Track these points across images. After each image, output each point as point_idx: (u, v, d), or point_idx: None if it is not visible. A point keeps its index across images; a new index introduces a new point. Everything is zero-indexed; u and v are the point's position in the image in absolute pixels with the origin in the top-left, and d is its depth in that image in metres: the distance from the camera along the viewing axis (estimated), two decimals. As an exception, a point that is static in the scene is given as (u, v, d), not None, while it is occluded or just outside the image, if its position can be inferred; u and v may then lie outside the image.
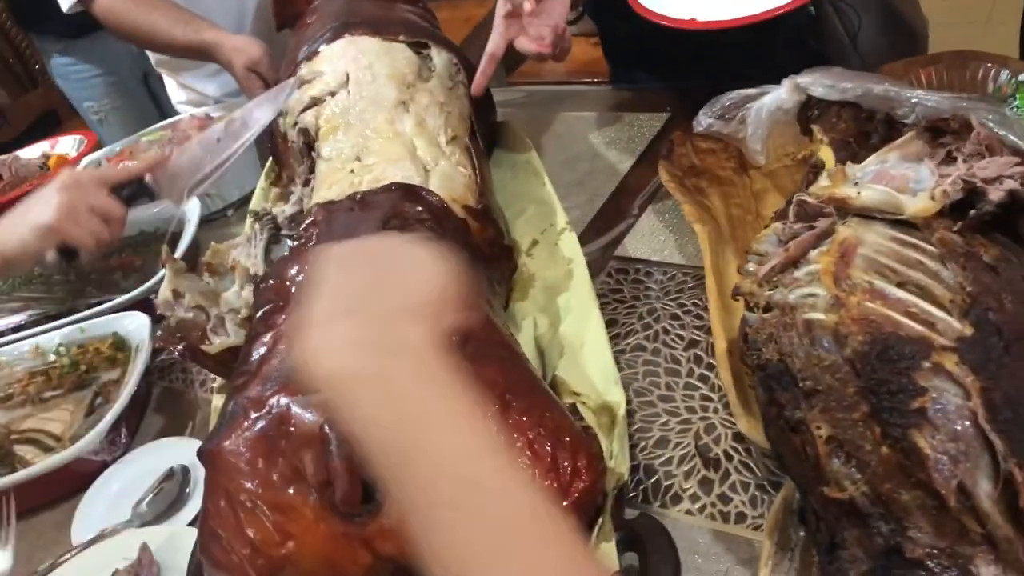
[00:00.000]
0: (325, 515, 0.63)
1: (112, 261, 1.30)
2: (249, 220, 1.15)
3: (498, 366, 0.69)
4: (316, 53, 1.08)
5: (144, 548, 0.87)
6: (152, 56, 1.76)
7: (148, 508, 0.93)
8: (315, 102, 1.02)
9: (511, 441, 0.64)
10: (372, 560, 0.64)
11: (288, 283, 0.81)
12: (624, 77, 1.58)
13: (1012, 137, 0.78)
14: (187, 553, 0.81)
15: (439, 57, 1.10)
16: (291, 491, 0.64)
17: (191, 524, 0.91)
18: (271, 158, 1.26)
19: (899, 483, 0.59)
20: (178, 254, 1.22)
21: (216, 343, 0.94)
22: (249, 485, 0.64)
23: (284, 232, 1.10)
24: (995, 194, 0.73)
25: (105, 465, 1.00)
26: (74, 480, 0.98)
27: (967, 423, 0.59)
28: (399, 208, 0.86)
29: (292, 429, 0.65)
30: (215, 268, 1.06)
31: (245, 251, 1.07)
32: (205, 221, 1.37)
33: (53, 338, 1.14)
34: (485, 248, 0.89)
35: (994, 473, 0.58)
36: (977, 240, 0.72)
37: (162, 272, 1.18)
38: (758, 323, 0.69)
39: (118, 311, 1.16)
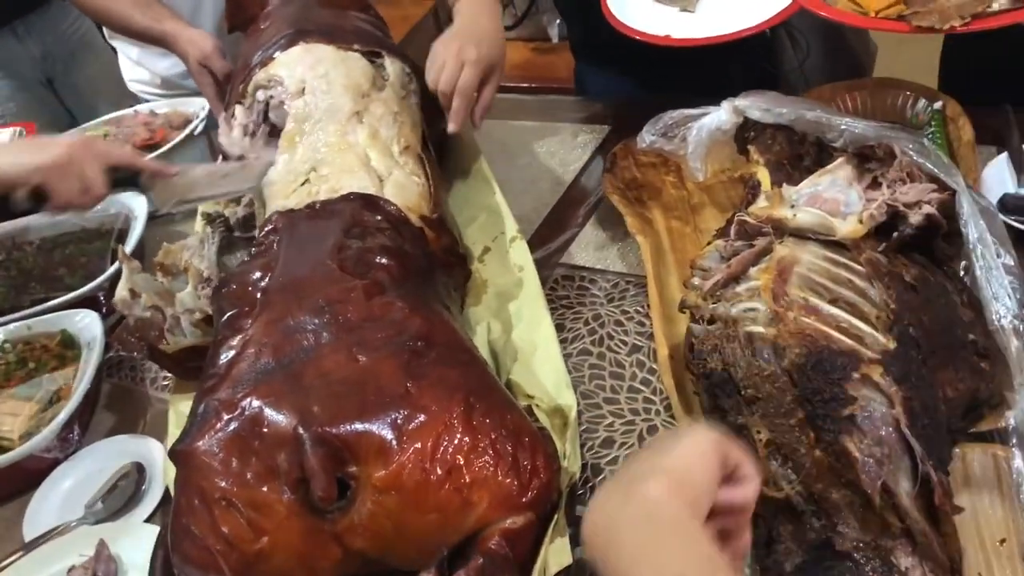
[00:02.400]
0: (298, 511, 0.66)
1: (56, 257, 1.29)
2: (201, 222, 1.16)
3: (460, 369, 0.73)
4: (271, 59, 1.10)
5: (101, 544, 0.88)
6: (107, 30, 1.74)
7: (103, 505, 0.94)
8: (278, 104, 1.05)
9: (476, 441, 0.68)
10: (342, 554, 0.67)
11: (251, 288, 0.83)
12: (587, 72, 1.62)
13: (929, 165, 0.85)
14: (145, 549, 0.83)
15: (392, 66, 1.13)
16: (265, 489, 0.67)
17: (148, 520, 0.93)
18: (222, 159, 1.27)
19: (830, 483, 0.66)
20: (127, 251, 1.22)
21: (173, 343, 0.95)
22: (223, 483, 0.67)
23: (237, 234, 1.12)
24: (915, 218, 0.80)
25: (56, 462, 1.00)
26: (25, 477, 0.99)
27: (891, 429, 0.65)
28: (359, 217, 0.90)
29: (265, 430, 0.68)
30: (168, 268, 1.07)
31: (198, 253, 1.08)
32: (150, 219, 1.36)
33: (-3, 333, 1.14)
34: (440, 255, 0.93)
35: (913, 474, 0.65)
36: (899, 260, 0.79)
37: (110, 270, 1.19)
38: (703, 335, 0.75)
39: (65, 308, 1.15)
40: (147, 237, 1.30)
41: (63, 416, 0.99)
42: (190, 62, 1.37)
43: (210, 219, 1.14)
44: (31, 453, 0.97)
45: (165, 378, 1.11)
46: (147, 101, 1.68)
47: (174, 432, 0.93)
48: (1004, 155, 1.07)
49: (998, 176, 1.05)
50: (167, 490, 0.94)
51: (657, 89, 1.42)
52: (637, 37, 1.14)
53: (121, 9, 1.45)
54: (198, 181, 1.05)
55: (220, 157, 1.27)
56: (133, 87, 1.78)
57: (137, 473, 0.96)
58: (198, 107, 1.48)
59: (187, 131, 1.41)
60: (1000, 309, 0.75)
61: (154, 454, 0.99)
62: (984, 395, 0.76)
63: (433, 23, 3.09)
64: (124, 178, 1.02)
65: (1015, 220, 0.97)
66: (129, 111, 1.55)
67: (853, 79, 1.35)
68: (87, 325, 1.11)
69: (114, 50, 1.84)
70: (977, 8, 0.93)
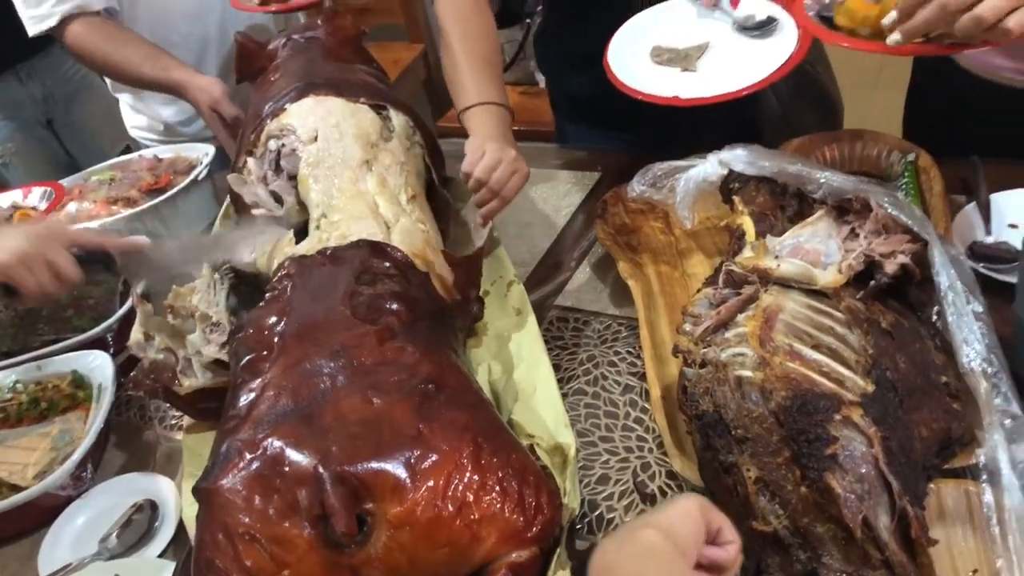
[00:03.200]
0: (318, 545, 0.70)
1: (63, 298, 1.32)
2: (207, 268, 1.19)
3: (469, 411, 0.78)
4: (283, 109, 1.15)
5: (117, 578, 0.92)
6: (108, 80, 1.80)
7: (117, 541, 0.97)
8: (290, 152, 1.10)
9: (484, 479, 0.73)
10: (359, 586, 0.71)
11: (267, 332, 0.87)
12: (568, 128, 1.68)
13: (903, 217, 0.91)
14: (159, 583, 0.87)
15: (397, 119, 1.18)
16: (286, 524, 0.71)
17: (161, 556, 0.96)
18: (228, 202, 1.32)
19: (815, 517, 0.70)
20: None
21: (186, 384, 0.99)
22: (246, 519, 0.71)
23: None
24: (890, 267, 0.86)
25: (70, 500, 1.04)
26: (39, 515, 1.02)
27: (870, 467, 0.70)
28: (367, 263, 0.94)
29: (286, 469, 0.72)
30: (177, 311, 1.11)
31: (205, 298, 1.11)
32: (154, 260, 1.41)
33: (9, 375, 1.17)
34: (448, 298, 0.98)
35: (891, 509, 0.70)
36: (876, 307, 0.85)
37: (120, 312, 1.23)
38: (695, 378, 0.80)
39: (74, 348, 1.19)
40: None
41: (77, 455, 1.03)
42: (202, 108, 1.42)
43: (216, 266, 1.17)
44: (46, 491, 1.00)
45: (174, 417, 1.15)
46: (148, 147, 1.73)
47: (189, 469, 0.97)
48: (972, 204, 1.14)
49: (967, 224, 1.12)
50: (180, 526, 0.98)
51: (641, 144, 1.48)
52: (644, 99, 1.17)
53: (130, 62, 1.51)
54: (172, 257, 1.08)
55: (228, 199, 1.32)
56: (134, 133, 1.83)
57: (150, 509, 1.00)
58: (201, 152, 1.53)
59: (192, 176, 1.45)
60: (970, 353, 0.81)
61: (165, 491, 1.03)
62: (956, 434, 0.81)
63: (423, 66, 3.16)
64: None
65: (984, 267, 1.04)
66: (134, 156, 1.60)
67: (828, 129, 1.42)
68: (99, 366, 1.15)
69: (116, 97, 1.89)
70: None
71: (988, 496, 0.75)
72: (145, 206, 1.41)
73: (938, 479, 0.81)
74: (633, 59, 1.25)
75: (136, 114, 1.80)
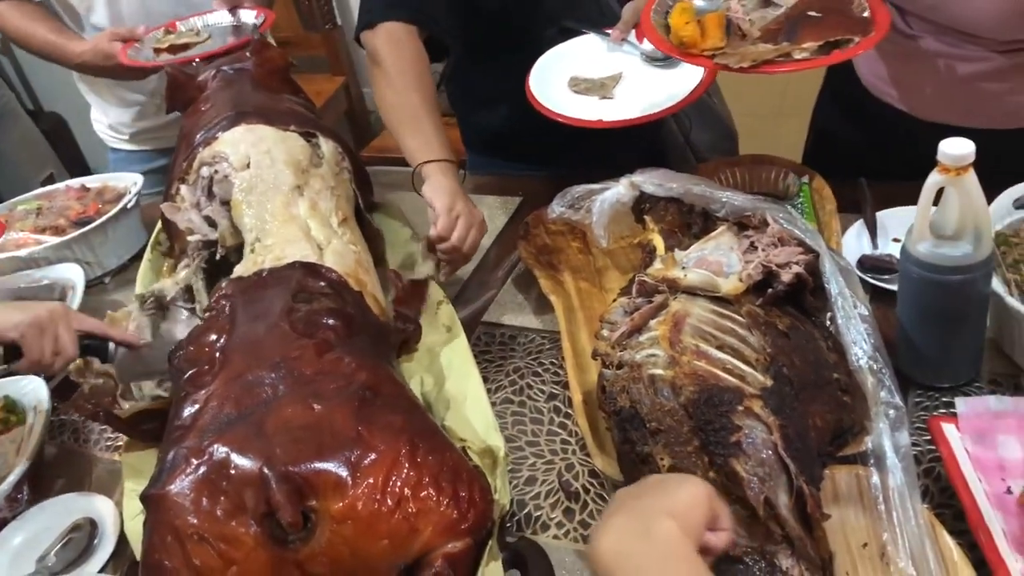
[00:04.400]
0: (264, 542, 0.75)
1: None
2: (136, 304, 1.21)
3: (404, 415, 0.83)
4: (215, 138, 1.19)
5: (57, 596, 0.94)
6: (80, 82, 1.85)
7: (56, 559, 0.98)
8: (223, 179, 1.14)
9: (420, 476, 0.78)
10: (304, 580, 0.76)
11: (209, 348, 0.91)
12: (479, 162, 1.76)
13: (797, 231, 1.00)
14: (100, 598, 0.89)
15: (326, 145, 1.24)
16: (233, 523, 0.75)
17: (101, 572, 0.98)
18: (158, 230, 1.34)
19: (723, 499, 0.78)
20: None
21: (127, 407, 1.02)
22: (195, 520, 0.75)
23: (179, 304, 1.19)
24: (786, 276, 0.95)
25: (5, 522, 1.04)
26: (-26, 537, 1.02)
27: (770, 452, 0.78)
28: (303, 283, 0.99)
29: (232, 471, 0.76)
30: (114, 336, 1.14)
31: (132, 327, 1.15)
32: (85, 288, 1.42)
33: (-60, 400, 1.17)
34: (382, 316, 1.03)
35: (789, 489, 0.78)
36: (774, 312, 0.93)
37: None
38: (613, 378, 0.87)
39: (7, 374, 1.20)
40: (84, 305, 1.36)
41: (12, 478, 1.04)
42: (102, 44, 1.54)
43: (142, 299, 1.19)
44: (-19, 513, 1.01)
45: (109, 439, 1.17)
46: (117, 149, 1.79)
47: (129, 485, 0.99)
48: (860, 221, 1.24)
49: (856, 240, 1.22)
50: (120, 542, 1.00)
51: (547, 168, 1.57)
52: (570, 123, 1.26)
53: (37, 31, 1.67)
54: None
55: (158, 227, 1.35)
56: (104, 135, 1.90)
57: (89, 527, 1.02)
58: (130, 182, 1.55)
59: (120, 205, 1.47)
60: (858, 352, 0.89)
61: (103, 510, 1.05)
62: (847, 424, 0.89)
63: (344, 98, 3.22)
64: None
65: (871, 277, 1.14)
66: (60, 185, 1.60)
67: (725, 153, 1.53)
68: (32, 390, 1.16)
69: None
70: (771, 55, 1.07)
71: (875, 478, 0.83)
72: (75, 234, 1.42)
73: (832, 465, 0.89)
74: (552, 89, 1.33)
75: (103, 114, 1.85)
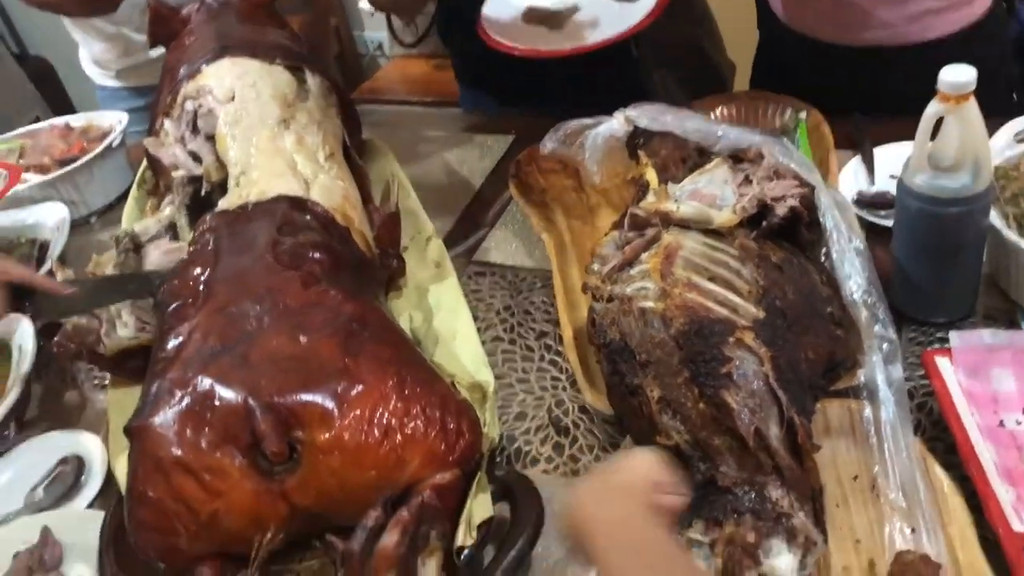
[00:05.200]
0: (249, 473, 0.74)
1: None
2: (113, 244, 1.18)
3: (392, 347, 0.82)
4: (199, 71, 1.16)
5: (46, 531, 0.93)
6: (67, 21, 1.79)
7: (45, 494, 0.98)
8: (207, 112, 1.11)
9: (408, 407, 0.77)
10: (290, 511, 0.75)
11: (193, 281, 0.90)
12: (470, 98, 1.73)
13: (793, 165, 0.98)
14: (89, 534, 0.89)
15: (313, 79, 1.21)
16: (218, 454, 0.74)
17: (89, 507, 0.98)
18: (143, 168, 1.32)
19: (712, 431, 0.77)
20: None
21: (111, 346, 1.01)
22: (178, 452, 0.74)
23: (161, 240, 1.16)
24: (780, 209, 0.93)
25: (-8, 459, 1.04)
26: (-40, 474, 1.02)
27: (761, 383, 0.77)
28: (289, 217, 0.97)
29: (216, 403, 0.75)
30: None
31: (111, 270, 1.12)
32: (70, 228, 1.40)
33: (-74, 339, 1.16)
34: (368, 253, 1.02)
35: (780, 420, 0.77)
36: (768, 245, 0.92)
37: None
38: (603, 311, 0.86)
39: (-9, 313, 1.18)
40: (70, 244, 1.34)
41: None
42: None
43: (117, 240, 1.16)
44: (-32, 450, 1.01)
45: (96, 377, 1.16)
46: (103, 88, 1.75)
47: (115, 420, 0.98)
48: (857, 157, 1.22)
49: (853, 176, 1.21)
50: (107, 479, 1.00)
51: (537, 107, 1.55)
52: (505, 51, 1.27)
53: None
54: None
55: (143, 165, 1.33)
56: (92, 72, 1.84)
57: (77, 463, 1.01)
58: (115, 120, 1.52)
59: (105, 143, 1.45)
60: (852, 286, 0.88)
61: (90, 447, 1.04)
62: (840, 358, 0.88)
63: (336, 39, 3.16)
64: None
65: (867, 213, 1.12)
66: (44, 124, 1.58)
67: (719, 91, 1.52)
68: (17, 330, 1.15)
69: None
70: None
71: (867, 412, 0.82)
72: (59, 173, 1.40)
73: (824, 399, 0.88)
74: (506, 17, 1.33)
75: (88, 50, 1.80)
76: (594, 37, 1.28)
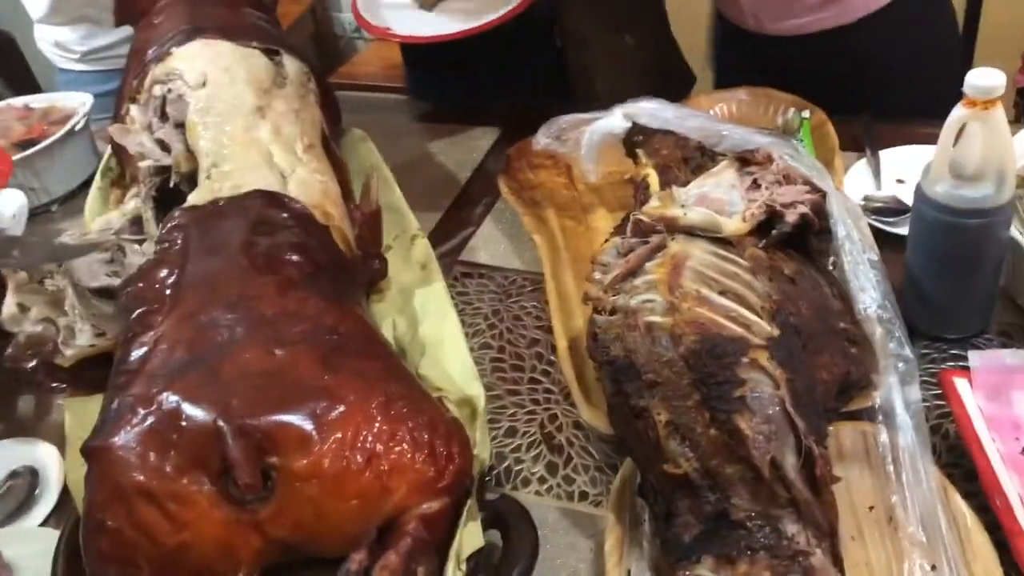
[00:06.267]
0: (219, 502, 0.67)
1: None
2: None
3: (377, 361, 0.76)
4: (168, 53, 1.08)
5: (-5, 549, 0.86)
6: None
7: (-6, 510, 0.91)
8: (177, 98, 1.03)
9: (394, 430, 0.70)
10: (263, 543, 0.69)
11: (159, 284, 0.83)
12: (418, 83, 1.70)
13: (803, 169, 0.93)
14: (41, 553, 0.82)
15: (291, 65, 1.13)
16: (185, 481, 0.67)
17: (43, 525, 0.91)
18: (108, 154, 1.24)
19: (724, 459, 0.71)
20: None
21: (69, 355, 0.93)
22: (141, 477, 0.67)
23: (126, 236, 1.08)
24: (791, 217, 0.87)
25: (-61, 469, 0.96)
26: (-96, 485, 0.94)
27: (777, 408, 0.71)
28: (264, 214, 0.90)
29: (183, 423, 0.68)
30: (55, 276, 1.03)
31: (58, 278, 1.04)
32: (29, 216, 1.32)
33: None
34: (349, 253, 0.95)
35: (797, 448, 0.71)
36: (778, 255, 0.86)
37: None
38: (606, 324, 0.79)
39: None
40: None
41: (-53, 421, 0.96)
42: None
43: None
44: (-87, 460, 0.93)
45: (53, 382, 1.08)
46: (65, 72, 1.68)
47: (73, 431, 0.91)
48: (863, 160, 1.17)
49: (858, 179, 1.15)
50: (63, 493, 0.92)
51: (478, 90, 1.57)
52: (380, 36, 1.29)
53: None
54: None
55: (108, 151, 1.24)
56: (51, 53, 1.76)
57: (30, 476, 0.94)
58: (78, 102, 1.44)
59: (68, 127, 1.36)
60: (866, 300, 0.83)
61: (46, 457, 0.97)
62: (854, 378, 0.83)
63: (311, 20, 3.07)
64: None
65: (875, 219, 1.07)
66: (1, 104, 1.48)
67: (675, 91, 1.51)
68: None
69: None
70: None
71: (884, 436, 0.77)
72: (17, 157, 1.31)
73: (836, 422, 0.83)
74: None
75: (47, 31, 1.72)
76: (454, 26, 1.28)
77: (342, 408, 0.70)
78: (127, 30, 1.32)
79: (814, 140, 1.20)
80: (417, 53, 1.66)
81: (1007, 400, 0.82)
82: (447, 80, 1.65)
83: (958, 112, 0.83)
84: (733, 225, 0.86)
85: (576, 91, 1.61)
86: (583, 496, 0.86)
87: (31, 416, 1.04)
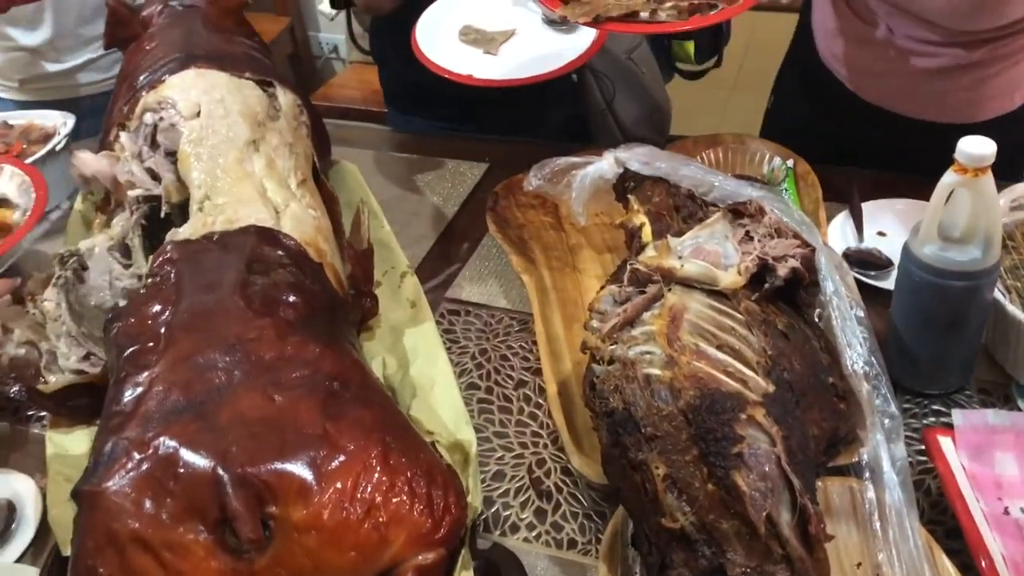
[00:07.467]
0: (216, 552, 0.66)
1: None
2: (56, 264, 1.08)
3: (376, 410, 0.75)
4: (161, 81, 1.07)
5: (-31, 587, 0.84)
6: None
7: (-32, 545, 0.89)
8: (169, 127, 1.02)
9: (393, 480, 0.70)
10: (259, 594, 0.68)
11: (152, 321, 0.81)
12: (399, 116, 1.69)
13: (792, 223, 0.94)
14: (18, 592, 0.80)
15: (284, 97, 1.13)
16: (181, 529, 0.66)
17: (18, 561, 0.88)
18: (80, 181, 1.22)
19: (721, 514, 0.72)
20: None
21: (52, 381, 0.91)
22: (136, 525, 0.66)
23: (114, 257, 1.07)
24: (783, 270, 0.89)
25: (-90, 500, 0.93)
26: None
27: (773, 465, 0.72)
28: (259, 252, 0.89)
29: (181, 470, 0.67)
30: (38, 300, 1.01)
31: (51, 293, 1.02)
32: (4, 237, 1.29)
33: None
34: (341, 291, 0.94)
35: (792, 505, 0.72)
36: (771, 309, 0.87)
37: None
38: (604, 375, 0.80)
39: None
40: (6, 256, 1.23)
41: (-80, 450, 0.93)
42: None
43: (62, 259, 1.03)
44: None
45: (31, 409, 1.06)
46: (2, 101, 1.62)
47: (55, 467, 0.89)
48: (845, 212, 1.19)
49: (841, 231, 1.18)
50: (41, 527, 0.90)
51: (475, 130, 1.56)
52: (442, 74, 1.22)
53: None
54: None
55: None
56: None
57: (7, 510, 0.91)
58: (59, 121, 1.41)
59: (48, 147, 1.34)
60: (853, 356, 0.84)
61: (22, 490, 0.94)
62: (842, 433, 0.85)
63: (289, 40, 3.06)
64: None
65: (857, 272, 1.09)
66: (-21, 125, 1.45)
67: (659, 123, 1.51)
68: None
69: None
70: (616, 12, 1.05)
71: (871, 493, 0.79)
72: (-5, 176, 1.29)
73: (824, 477, 0.84)
74: (441, 35, 1.29)
75: None
76: (530, 69, 1.23)
77: (342, 458, 0.69)
78: (73, 61, 1.30)
79: (798, 189, 1.22)
80: (420, 89, 1.58)
81: (989, 460, 0.84)
82: (453, 116, 1.61)
83: (949, 177, 0.85)
84: (729, 278, 0.87)
85: (595, 124, 1.64)
86: (572, 544, 0.86)
87: (5, 446, 1.02)
